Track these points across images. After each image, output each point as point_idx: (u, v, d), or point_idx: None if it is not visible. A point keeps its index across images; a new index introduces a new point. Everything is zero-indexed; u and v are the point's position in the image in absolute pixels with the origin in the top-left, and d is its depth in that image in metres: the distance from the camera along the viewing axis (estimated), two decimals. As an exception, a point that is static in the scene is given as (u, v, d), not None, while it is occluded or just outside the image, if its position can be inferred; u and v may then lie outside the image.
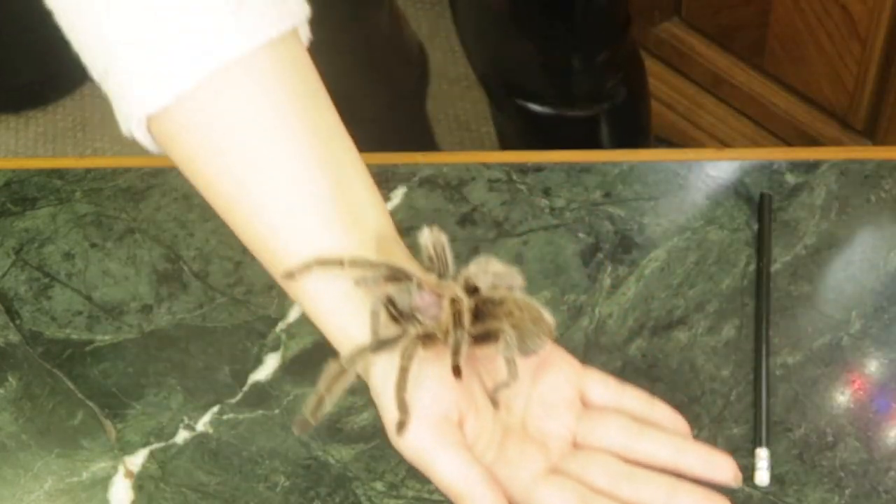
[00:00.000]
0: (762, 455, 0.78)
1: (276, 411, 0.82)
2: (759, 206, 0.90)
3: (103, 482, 0.79)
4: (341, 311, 0.62)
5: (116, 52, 0.61)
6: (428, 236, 0.63)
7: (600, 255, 0.89)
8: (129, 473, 0.79)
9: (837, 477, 0.78)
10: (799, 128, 1.67)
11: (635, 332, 0.85)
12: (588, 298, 0.87)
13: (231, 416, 0.82)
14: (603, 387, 0.66)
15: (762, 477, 0.78)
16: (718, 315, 0.86)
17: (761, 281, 0.86)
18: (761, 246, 0.88)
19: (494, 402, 0.63)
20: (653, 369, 0.83)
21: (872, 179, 0.92)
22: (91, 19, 0.61)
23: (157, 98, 0.60)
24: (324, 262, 0.60)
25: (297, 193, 0.62)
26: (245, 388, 0.83)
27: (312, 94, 0.63)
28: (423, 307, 0.61)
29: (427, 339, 0.61)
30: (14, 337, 0.86)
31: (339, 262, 0.60)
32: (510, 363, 0.61)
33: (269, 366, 0.84)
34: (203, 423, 0.82)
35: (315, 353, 0.85)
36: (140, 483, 0.79)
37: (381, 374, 0.61)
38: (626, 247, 0.90)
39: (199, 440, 0.81)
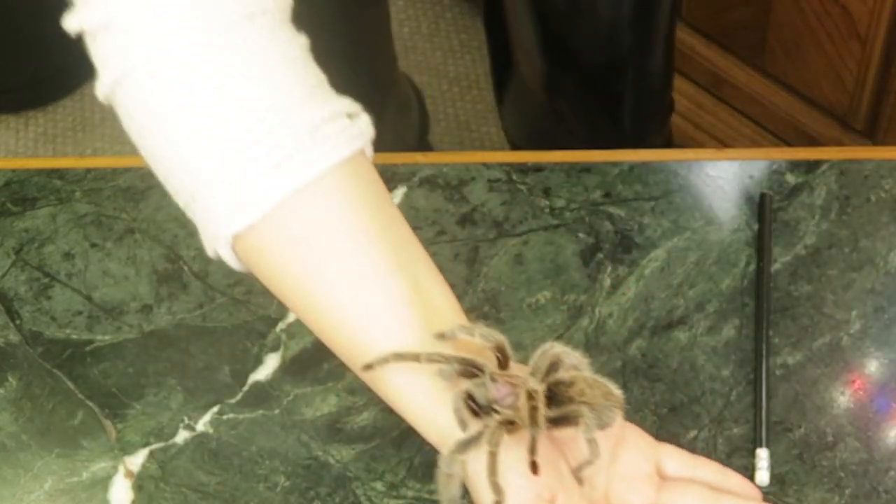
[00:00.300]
0: (762, 455, 0.78)
1: (276, 411, 0.82)
2: (759, 206, 0.90)
3: (103, 482, 0.79)
4: (426, 405, 0.66)
5: (202, 178, 0.66)
6: (481, 335, 0.66)
7: (600, 255, 0.89)
8: (129, 473, 0.80)
9: (837, 477, 0.78)
10: (799, 128, 1.67)
11: (635, 332, 0.85)
12: (588, 298, 0.87)
13: (231, 416, 0.82)
14: (677, 459, 0.70)
15: (762, 477, 0.78)
16: (718, 315, 0.86)
17: (761, 281, 0.86)
18: (761, 246, 0.88)
19: (579, 480, 0.67)
20: (653, 369, 0.83)
21: (872, 179, 0.92)
22: (175, 150, 0.67)
23: (243, 218, 0.66)
24: (400, 357, 0.64)
25: (377, 295, 0.66)
26: (245, 388, 0.83)
27: (382, 202, 0.69)
28: (500, 398, 0.65)
29: (510, 425, 0.64)
30: (14, 337, 0.86)
31: (416, 357, 0.64)
32: (591, 442, 0.65)
33: (269, 366, 0.84)
34: (203, 423, 0.82)
35: (315, 353, 0.85)
36: (140, 483, 0.79)
37: (472, 459, 0.64)
38: (626, 247, 0.90)
39: (199, 440, 0.81)
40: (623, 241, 0.90)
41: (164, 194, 0.93)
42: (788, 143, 1.70)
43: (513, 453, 0.64)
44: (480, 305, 0.87)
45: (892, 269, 0.87)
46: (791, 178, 0.92)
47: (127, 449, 0.81)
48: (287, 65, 0.67)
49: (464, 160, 0.95)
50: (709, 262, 0.88)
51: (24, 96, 2.06)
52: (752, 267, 0.88)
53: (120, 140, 2.04)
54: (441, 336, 0.65)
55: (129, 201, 0.93)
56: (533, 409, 0.64)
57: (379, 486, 0.79)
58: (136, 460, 0.80)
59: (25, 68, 2.02)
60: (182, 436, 0.81)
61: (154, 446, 0.81)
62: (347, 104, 0.69)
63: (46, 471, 0.80)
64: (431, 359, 0.64)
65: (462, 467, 0.64)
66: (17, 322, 0.87)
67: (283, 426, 0.81)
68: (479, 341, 0.65)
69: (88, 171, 0.95)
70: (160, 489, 0.79)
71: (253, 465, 0.80)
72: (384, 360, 0.65)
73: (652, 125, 1.42)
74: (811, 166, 0.93)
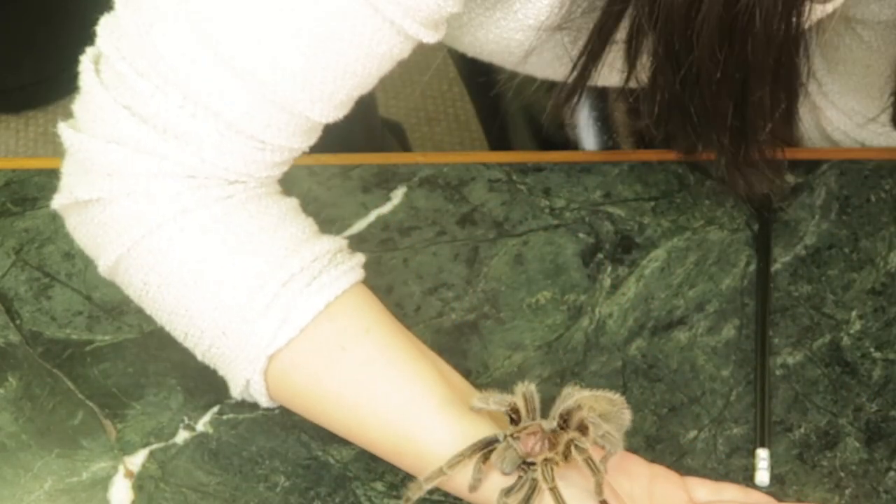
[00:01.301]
0: (762, 455, 0.78)
1: (276, 411, 0.82)
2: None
3: (103, 482, 0.79)
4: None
5: (235, 312, 0.74)
6: (520, 389, 0.72)
7: (600, 255, 0.89)
8: (129, 473, 0.79)
9: (837, 477, 0.78)
10: (799, 128, 1.67)
11: (635, 332, 0.85)
12: (588, 298, 0.87)
13: (231, 416, 0.82)
14: (704, 486, 0.75)
15: (762, 477, 0.78)
16: (718, 315, 0.86)
17: (761, 281, 0.86)
18: (761, 246, 0.88)
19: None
20: (653, 369, 0.83)
21: (872, 179, 0.92)
22: (205, 292, 0.74)
23: (284, 333, 0.73)
24: (429, 479, 0.71)
25: (417, 394, 0.74)
26: (245, 388, 0.83)
27: (387, 315, 0.77)
28: (529, 449, 0.70)
29: (552, 462, 0.70)
30: (14, 337, 0.86)
31: (440, 472, 0.70)
32: (606, 436, 0.70)
33: (269, 366, 0.84)
34: (203, 423, 0.82)
35: (315, 353, 0.85)
36: (140, 483, 0.79)
37: None
38: (626, 247, 0.90)
39: (199, 440, 0.81)
40: (623, 241, 0.90)
41: (164, 194, 0.93)
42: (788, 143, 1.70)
43: (573, 488, 0.69)
44: (480, 305, 0.87)
45: (892, 269, 0.87)
46: (791, 178, 0.92)
47: (127, 449, 0.81)
48: (288, 217, 0.77)
49: (464, 160, 0.95)
50: (709, 262, 0.88)
51: (24, 96, 2.06)
52: (752, 267, 0.88)
53: (120, 140, 2.04)
54: (474, 409, 0.72)
55: (129, 201, 0.93)
56: (588, 459, 0.68)
57: (379, 486, 0.79)
58: (136, 460, 0.80)
59: (25, 68, 2.02)
60: (182, 436, 0.81)
61: (154, 446, 0.81)
62: (339, 240, 0.78)
63: (46, 471, 0.80)
64: (452, 464, 0.70)
65: None
66: (17, 322, 0.87)
67: (283, 426, 0.81)
68: (495, 408, 0.71)
69: (88, 171, 0.95)
70: (160, 489, 0.79)
71: (253, 465, 0.80)
72: (419, 489, 0.71)
73: None
74: (811, 166, 0.93)
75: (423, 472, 0.71)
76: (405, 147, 1.62)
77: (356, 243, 0.90)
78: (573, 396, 0.71)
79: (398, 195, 0.93)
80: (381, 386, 0.74)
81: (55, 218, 0.92)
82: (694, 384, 0.83)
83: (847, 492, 0.77)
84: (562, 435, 0.70)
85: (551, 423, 0.70)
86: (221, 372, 0.77)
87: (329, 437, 0.80)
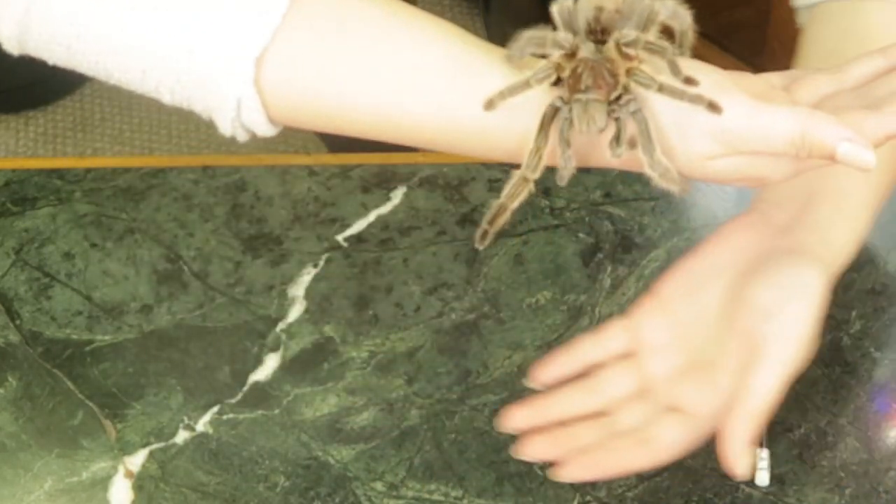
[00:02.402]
0: (762, 455, 0.78)
1: (276, 411, 0.82)
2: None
3: (103, 482, 0.79)
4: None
5: (200, 29, 0.60)
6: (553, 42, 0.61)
7: (600, 256, 0.89)
8: (129, 473, 0.79)
9: (837, 477, 0.78)
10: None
11: (635, 332, 0.85)
12: (588, 298, 0.87)
13: (231, 416, 0.82)
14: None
15: (762, 477, 0.78)
16: (718, 315, 0.86)
17: (761, 281, 0.86)
18: (761, 246, 0.88)
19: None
20: (653, 369, 0.83)
21: (872, 179, 0.92)
22: (158, 23, 0.60)
23: (258, 39, 0.59)
24: (512, 89, 0.60)
25: (442, 50, 0.62)
26: (245, 389, 0.83)
27: None
28: (604, 86, 0.60)
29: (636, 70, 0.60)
30: (14, 337, 0.86)
31: (526, 83, 0.59)
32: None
33: (269, 366, 0.84)
34: (203, 423, 0.82)
35: (315, 353, 0.85)
36: (140, 483, 0.79)
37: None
38: (626, 247, 0.90)
39: (199, 440, 0.81)
40: (623, 241, 0.90)
41: (163, 194, 0.94)
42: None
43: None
44: (480, 305, 0.87)
45: (892, 269, 0.87)
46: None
47: (127, 449, 0.81)
48: None
49: (464, 160, 0.95)
50: (709, 262, 0.88)
51: (24, 96, 2.06)
52: (752, 267, 0.88)
53: (120, 140, 2.05)
54: (511, 57, 0.61)
55: (129, 201, 0.93)
56: (650, 46, 0.60)
57: (379, 486, 0.79)
58: (136, 460, 0.80)
59: (25, 68, 2.01)
60: (182, 436, 0.81)
61: (154, 446, 0.81)
62: None
63: (46, 471, 0.80)
64: (538, 78, 0.60)
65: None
66: (17, 322, 0.87)
67: (283, 426, 0.81)
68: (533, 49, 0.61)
69: (88, 171, 0.95)
70: (160, 489, 0.79)
71: (253, 465, 0.80)
72: (502, 96, 0.60)
73: None
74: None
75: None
76: None
77: (356, 243, 0.90)
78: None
79: (398, 195, 0.93)
80: (408, 47, 0.61)
81: (55, 218, 0.92)
82: (694, 384, 0.82)
83: (847, 492, 0.77)
84: (610, 48, 0.60)
85: (590, 47, 0.60)
86: (201, 106, 0.62)
87: (329, 437, 0.81)
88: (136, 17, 0.60)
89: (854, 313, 0.85)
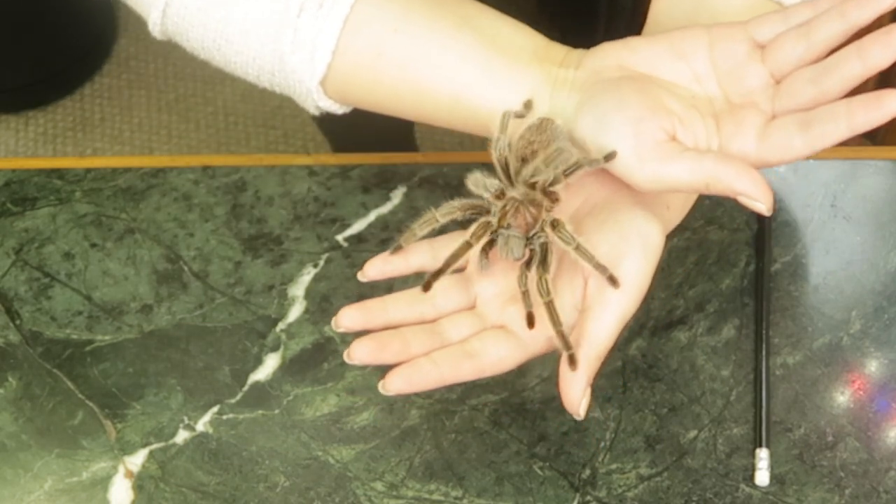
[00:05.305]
0: (762, 455, 0.78)
1: (276, 411, 0.82)
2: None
3: (103, 482, 0.79)
4: None
5: (271, 67, 0.75)
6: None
7: (600, 255, 0.89)
8: (129, 473, 0.80)
9: (837, 477, 0.78)
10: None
11: (635, 332, 0.85)
12: (588, 298, 0.87)
13: (231, 416, 0.82)
14: (765, 23, 0.69)
15: (762, 477, 0.78)
16: (718, 315, 0.86)
17: (761, 281, 0.86)
18: (761, 246, 0.88)
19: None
20: (653, 369, 0.83)
21: (872, 179, 0.92)
22: (236, 54, 0.76)
23: (314, 75, 0.74)
24: (424, 224, 0.72)
25: (456, 67, 0.73)
26: (245, 388, 0.84)
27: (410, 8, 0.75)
28: (525, 223, 0.69)
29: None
30: (14, 337, 0.86)
31: (434, 219, 0.71)
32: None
33: (269, 366, 0.85)
34: (203, 423, 0.82)
35: (315, 353, 0.85)
36: (140, 483, 0.79)
37: (586, 130, 0.68)
38: (626, 247, 0.90)
39: (199, 440, 0.81)
40: (623, 241, 0.90)
41: (164, 194, 0.94)
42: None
43: (612, 116, 0.67)
44: (480, 305, 0.87)
45: (892, 269, 0.87)
46: (791, 178, 0.92)
47: (127, 449, 0.81)
48: None
49: (464, 160, 0.95)
50: (709, 262, 0.88)
51: (24, 96, 2.06)
52: (752, 267, 0.88)
53: (120, 140, 2.05)
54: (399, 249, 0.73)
55: (129, 201, 0.93)
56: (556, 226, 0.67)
57: (379, 486, 0.79)
58: (136, 460, 0.80)
59: (25, 68, 2.02)
60: (182, 436, 0.81)
61: (154, 446, 0.81)
62: None
63: (46, 471, 0.80)
64: (445, 214, 0.71)
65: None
66: (17, 322, 0.87)
67: (283, 426, 0.81)
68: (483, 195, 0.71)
69: (88, 171, 0.95)
70: (160, 489, 0.79)
71: (253, 465, 0.80)
72: (413, 235, 0.71)
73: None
74: (811, 166, 0.93)
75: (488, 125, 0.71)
76: None
77: (356, 243, 0.90)
78: (503, 142, 0.70)
79: (398, 195, 0.92)
80: (427, 72, 0.73)
81: (55, 218, 0.92)
82: (694, 384, 0.83)
83: (847, 492, 0.77)
84: (533, 194, 0.69)
85: (520, 189, 0.69)
86: (290, 94, 0.79)
87: (329, 437, 0.81)
88: (232, 45, 0.76)
89: (854, 313, 0.85)
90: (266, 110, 2.01)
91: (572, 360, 0.65)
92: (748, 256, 0.88)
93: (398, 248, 0.72)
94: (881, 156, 0.94)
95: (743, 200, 0.65)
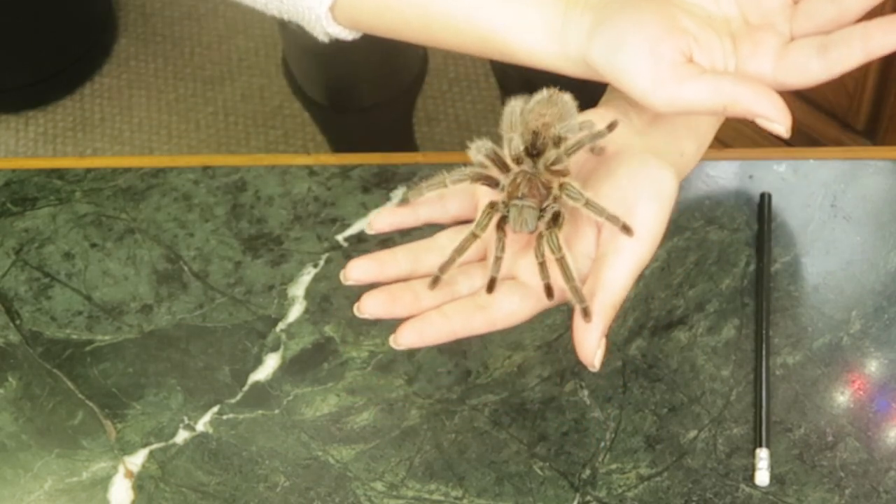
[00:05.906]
0: (762, 455, 0.78)
1: (276, 411, 0.82)
2: (759, 206, 0.90)
3: (103, 482, 0.79)
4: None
5: None
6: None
7: (600, 255, 0.89)
8: (129, 473, 0.80)
9: (837, 477, 0.78)
10: (799, 128, 1.67)
11: (635, 332, 0.85)
12: (588, 298, 0.87)
13: (231, 416, 0.82)
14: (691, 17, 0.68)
15: (762, 477, 0.78)
16: (718, 315, 0.86)
17: (761, 281, 0.86)
18: (761, 246, 0.88)
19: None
20: (653, 369, 0.83)
21: (872, 179, 0.92)
22: None
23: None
24: (432, 185, 0.70)
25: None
26: (245, 388, 0.84)
27: None
28: (537, 195, 0.67)
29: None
30: (14, 337, 0.86)
31: (443, 183, 0.70)
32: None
33: (269, 366, 0.85)
34: (203, 423, 0.82)
35: (315, 353, 0.85)
36: (140, 483, 0.79)
37: (600, 51, 0.66)
38: (626, 247, 0.90)
39: (199, 440, 0.81)
40: (623, 241, 0.90)
41: (164, 194, 0.94)
42: (788, 143, 1.70)
43: (631, 39, 0.65)
44: (480, 305, 0.87)
45: (892, 269, 0.87)
46: (791, 178, 0.92)
47: (127, 449, 0.81)
48: None
49: (464, 160, 0.95)
50: (709, 262, 0.88)
51: (24, 96, 2.06)
52: (752, 267, 0.88)
53: (120, 140, 2.05)
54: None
55: (129, 201, 0.93)
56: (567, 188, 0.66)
57: (379, 486, 0.79)
58: (136, 460, 0.80)
59: (25, 68, 2.02)
60: (182, 436, 0.81)
61: (154, 446, 0.81)
62: None
63: (46, 471, 0.80)
64: (455, 180, 0.70)
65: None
66: (17, 322, 0.87)
67: (283, 426, 0.81)
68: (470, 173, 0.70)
69: (88, 171, 0.95)
70: (160, 489, 0.79)
71: (253, 465, 0.80)
72: (419, 193, 0.70)
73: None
74: (811, 166, 0.93)
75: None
76: (422, 74, 1.62)
77: (356, 243, 0.90)
78: (517, 112, 0.69)
79: (398, 195, 0.92)
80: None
81: (55, 218, 0.92)
82: (694, 384, 0.83)
83: (847, 492, 0.77)
84: (542, 167, 0.68)
85: (529, 163, 0.68)
86: (299, 21, 0.78)
87: (329, 437, 0.81)
88: None
89: (854, 313, 0.85)
90: (266, 110, 2.01)
91: (586, 313, 0.64)
92: (748, 256, 0.88)
93: (405, 202, 0.71)
94: (881, 156, 0.94)
95: (761, 122, 0.63)
